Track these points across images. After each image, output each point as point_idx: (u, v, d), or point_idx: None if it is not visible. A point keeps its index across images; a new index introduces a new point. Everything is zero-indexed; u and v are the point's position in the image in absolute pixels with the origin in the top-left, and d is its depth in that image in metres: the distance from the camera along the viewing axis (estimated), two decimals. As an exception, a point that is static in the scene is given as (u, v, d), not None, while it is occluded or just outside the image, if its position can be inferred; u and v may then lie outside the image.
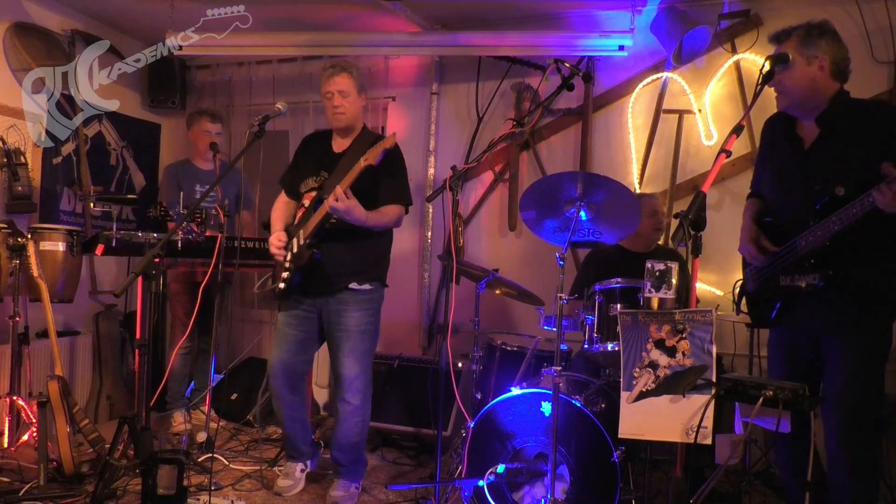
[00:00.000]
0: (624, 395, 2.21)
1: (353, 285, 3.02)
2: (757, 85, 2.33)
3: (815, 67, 2.26)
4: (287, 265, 3.01)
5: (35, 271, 3.14)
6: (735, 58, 3.79)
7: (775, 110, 2.53)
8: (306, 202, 3.07)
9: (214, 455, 3.47)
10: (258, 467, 3.40)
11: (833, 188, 2.17)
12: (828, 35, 2.28)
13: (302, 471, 3.21)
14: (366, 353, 3.08)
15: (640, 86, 4.00)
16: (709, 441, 2.10)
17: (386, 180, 2.97)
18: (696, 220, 2.08)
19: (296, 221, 3.11)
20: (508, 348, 3.53)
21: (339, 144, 3.14)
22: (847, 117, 2.25)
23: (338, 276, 3.00)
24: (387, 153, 2.84)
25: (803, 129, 2.38)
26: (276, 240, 3.03)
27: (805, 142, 2.36)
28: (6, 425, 3.37)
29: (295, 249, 3.00)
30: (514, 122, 4.07)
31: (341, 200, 2.78)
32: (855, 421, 2.22)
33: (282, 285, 3.02)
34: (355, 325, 3.03)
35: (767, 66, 2.30)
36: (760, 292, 2.49)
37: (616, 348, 2.59)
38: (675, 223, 2.16)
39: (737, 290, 2.69)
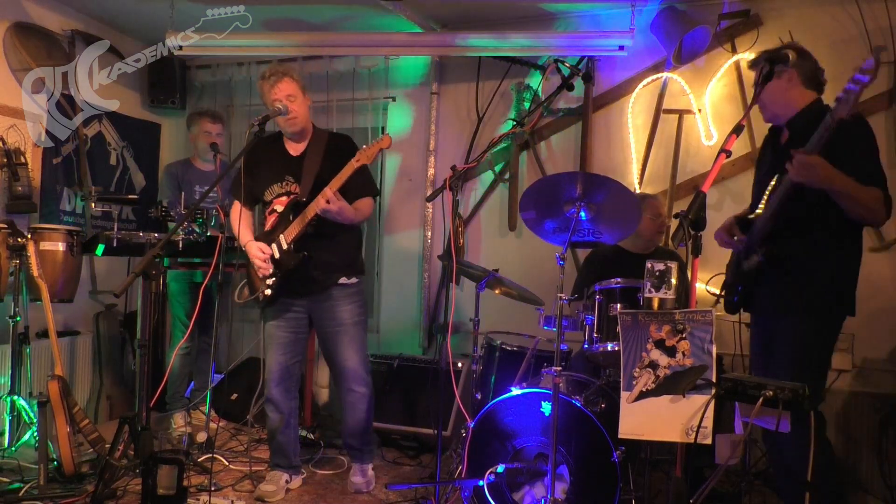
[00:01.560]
0: (624, 395, 2.21)
1: (343, 280, 3.10)
2: (757, 85, 2.34)
3: (785, 80, 2.44)
4: (271, 271, 3.02)
5: (35, 271, 3.14)
6: (735, 58, 3.79)
7: None
8: (278, 207, 3.06)
9: (214, 455, 3.47)
10: (258, 467, 3.40)
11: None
12: (784, 57, 2.45)
13: (287, 482, 3.18)
14: (363, 342, 3.20)
15: (640, 86, 4.00)
16: (709, 441, 2.10)
17: (356, 174, 2.94)
18: (696, 220, 2.10)
19: (269, 227, 3.09)
20: (508, 348, 3.53)
21: (295, 148, 3.13)
22: (814, 121, 2.37)
23: (326, 275, 3.06)
24: (351, 149, 2.94)
25: (783, 134, 2.58)
26: (258, 251, 3.00)
27: (780, 144, 2.57)
28: (6, 425, 3.38)
29: (277, 255, 3.00)
30: (515, 122, 4.09)
31: (333, 202, 2.85)
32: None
33: (268, 292, 3.03)
34: (350, 317, 3.11)
35: (767, 66, 2.32)
36: (732, 279, 2.68)
37: (616, 348, 2.59)
38: (675, 223, 2.17)
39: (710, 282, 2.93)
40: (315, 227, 2.95)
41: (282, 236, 2.99)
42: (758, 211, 2.50)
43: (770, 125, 2.65)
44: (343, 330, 3.10)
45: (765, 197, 2.45)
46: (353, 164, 2.87)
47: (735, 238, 2.57)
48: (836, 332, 2.42)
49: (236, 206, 3.21)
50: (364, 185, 3.07)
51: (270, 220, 3.09)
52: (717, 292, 2.89)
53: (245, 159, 3.12)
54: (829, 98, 2.50)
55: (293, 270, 2.98)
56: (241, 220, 3.15)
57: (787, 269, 2.40)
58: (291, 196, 3.03)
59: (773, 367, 2.41)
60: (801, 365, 2.33)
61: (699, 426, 2.08)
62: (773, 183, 2.42)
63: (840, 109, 2.09)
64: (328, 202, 2.84)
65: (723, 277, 2.83)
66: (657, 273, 2.31)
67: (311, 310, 3.13)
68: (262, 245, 3.02)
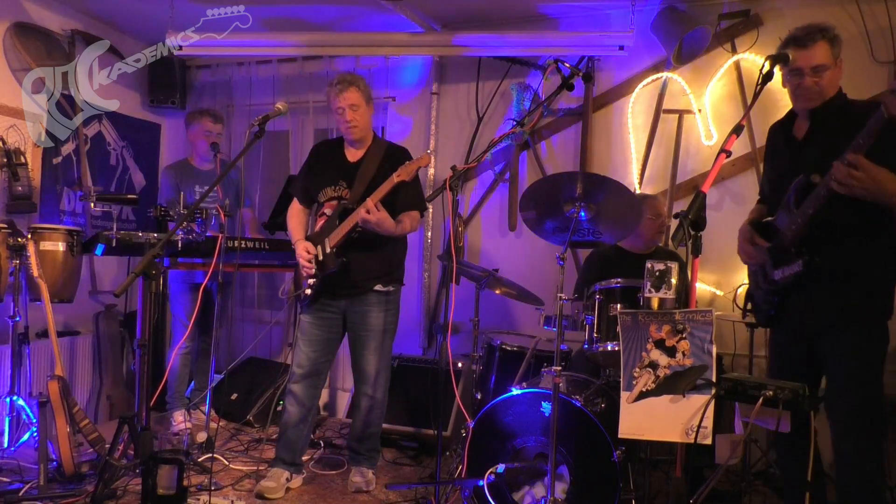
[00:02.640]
0: (624, 395, 2.21)
1: (379, 287, 3.17)
2: (757, 85, 2.33)
3: (839, 68, 2.33)
4: (313, 272, 3.13)
5: (35, 271, 3.14)
6: (735, 58, 3.79)
7: (775, 110, 2.59)
8: (328, 211, 3.18)
9: (214, 455, 3.47)
10: (258, 467, 3.40)
11: (811, 176, 2.23)
12: (840, 38, 2.37)
13: (287, 479, 3.19)
14: (388, 350, 3.27)
15: (640, 86, 4.00)
16: (709, 441, 2.10)
17: (404, 188, 3.05)
18: (696, 220, 2.09)
19: (317, 229, 3.20)
20: (508, 348, 3.53)
21: (353, 154, 3.25)
22: (838, 113, 2.31)
23: (364, 280, 3.15)
24: (406, 161, 3.00)
25: (799, 126, 2.45)
26: (304, 251, 3.13)
27: (798, 137, 2.44)
28: (6, 425, 3.38)
29: (321, 257, 3.12)
30: (515, 123, 4.08)
31: (373, 213, 2.92)
32: (854, 420, 2.23)
33: (309, 291, 3.15)
34: (379, 324, 3.19)
35: (767, 66, 2.31)
36: (761, 290, 2.52)
37: (616, 348, 2.59)
38: (675, 223, 2.16)
39: (740, 293, 2.73)
40: (360, 234, 3.05)
41: (327, 240, 3.10)
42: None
43: (779, 121, 2.54)
44: (371, 335, 3.18)
45: (790, 200, 2.31)
46: (394, 179, 2.95)
47: (758, 247, 2.44)
48: (888, 336, 2.29)
49: (294, 204, 3.36)
50: (411, 199, 3.16)
51: (320, 223, 3.20)
52: (744, 306, 2.71)
53: (309, 158, 3.35)
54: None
55: (333, 273, 3.08)
56: (296, 219, 3.32)
57: (828, 278, 2.26)
58: (342, 201, 3.13)
59: (832, 387, 2.30)
60: (868, 382, 2.25)
61: (699, 426, 2.08)
62: (793, 184, 2.29)
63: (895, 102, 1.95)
64: (368, 212, 2.92)
65: (746, 288, 2.70)
66: (657, 273, 2.31)
67: (346, 311, 3.22)
68: (309, 245, 3.14)
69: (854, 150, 2.05)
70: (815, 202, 2.19)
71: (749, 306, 2.66)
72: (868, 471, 2.25)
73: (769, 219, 2.47)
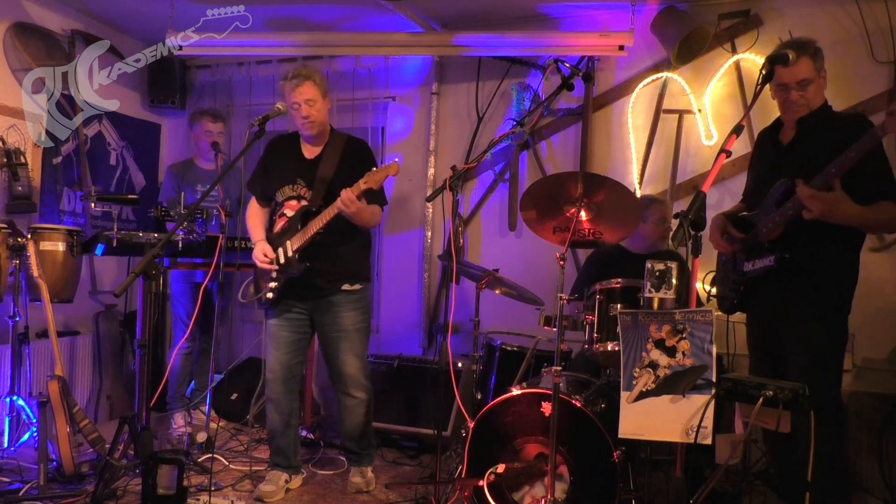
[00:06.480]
0: (624, 395, 2.21)
1: (346, 287, 3.11)
2: (757, 85, 2.36)
3: (823, 79, 2.48)
4: (274, 275, 3.06)
5: (35, 271, 3.14)
6: (735, 58, 3.79)
7: (775, 110, 2.61)
8: (287, 211, 3.10)
9: (214, 455, 3.47)
10: (258, 467, 3.40)
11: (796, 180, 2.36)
12: (821, 52, 2.48)
13: (286, 481, 3.18)
14: (363, 348, 3.22)
15: (640, 86, 4.00)
16: (709, 441, 2.10)
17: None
18: (696, 220, 2.11)
19: (277, 230, 3.13)
20: (508, 348, 3.53)
21: (310, 151, 3.16)
22: (824, 123, 2.45)
23: (331, 281, 3.09)
24: (366, 159, 3.01)
25: (786, 133, 2.58)
26: (261, 253, 3.04)
27: (783, 143, 2.57)
28: (6, 425, 3.38)
29: (282, 260, 3.03)
30: (515, 123, 4.08)
31: (352, 204, 2.85)
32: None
33: (270, 295, 3.08)
34: (351, 324, 3.13)
35: (767, 67, 2.33)
36: (729, 280, 2.66)
37: (616, 348, 2.59)
38: (675, 223, 2.17)
39: (707, 281, 2.95)
40: (321, 236, 2.98)
41: (288, 243, 3.03)
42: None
43: (768, 127, 2.68)
44: (344, 336, 3.12)
45: (771, 200, 2.44)
46: (361, 186, 2.86)
47: (732, 237, 2.57)
48: (846, 331, 2.45)
49: (252, 203, 3.27)
50: (373, 195, 3.06)
51: (279, 224, 3.13)
52: (710, 290, 2.90)
53: (264, 156, 3.26)
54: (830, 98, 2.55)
55: (296, 278, 3.02)
56: (254, 218, 3.23)
57: (795, 274, 2.39)
58: (301, 201, 3.07)
59: (790, 376, 2.39)
60: (820, 373, 2.33)
61: (699, 426, 2.08)
62: (777, 186, 2.43)
63: (892, 124, 2.07)
64: (346, 204, 2.85)
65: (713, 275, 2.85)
66: (657, 273, 2.31)
67: (314, 312, 3.16)
68: (267, 248, 3.05)
69: (837, 167, 2.21)
70: (795, 205, 2.31)
71: (713, 292, 2.83)
72: (827, 456, 2.28)
73: (745, 213, 2.62)
